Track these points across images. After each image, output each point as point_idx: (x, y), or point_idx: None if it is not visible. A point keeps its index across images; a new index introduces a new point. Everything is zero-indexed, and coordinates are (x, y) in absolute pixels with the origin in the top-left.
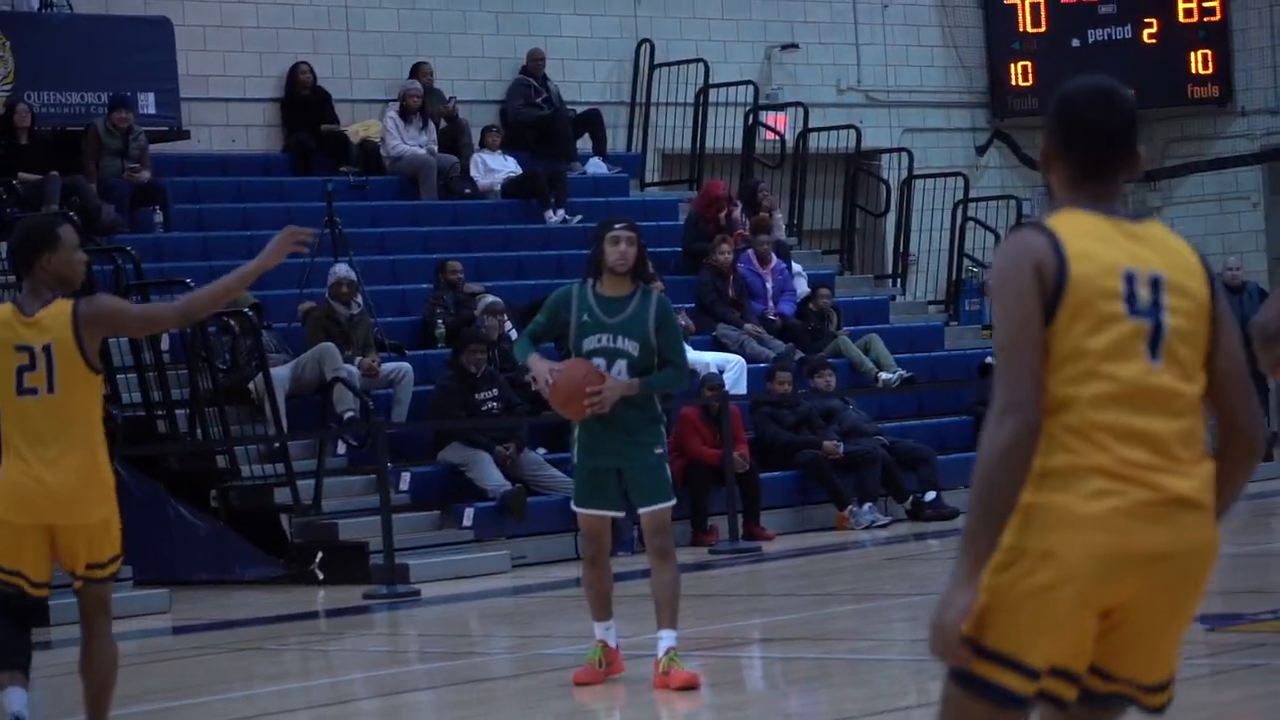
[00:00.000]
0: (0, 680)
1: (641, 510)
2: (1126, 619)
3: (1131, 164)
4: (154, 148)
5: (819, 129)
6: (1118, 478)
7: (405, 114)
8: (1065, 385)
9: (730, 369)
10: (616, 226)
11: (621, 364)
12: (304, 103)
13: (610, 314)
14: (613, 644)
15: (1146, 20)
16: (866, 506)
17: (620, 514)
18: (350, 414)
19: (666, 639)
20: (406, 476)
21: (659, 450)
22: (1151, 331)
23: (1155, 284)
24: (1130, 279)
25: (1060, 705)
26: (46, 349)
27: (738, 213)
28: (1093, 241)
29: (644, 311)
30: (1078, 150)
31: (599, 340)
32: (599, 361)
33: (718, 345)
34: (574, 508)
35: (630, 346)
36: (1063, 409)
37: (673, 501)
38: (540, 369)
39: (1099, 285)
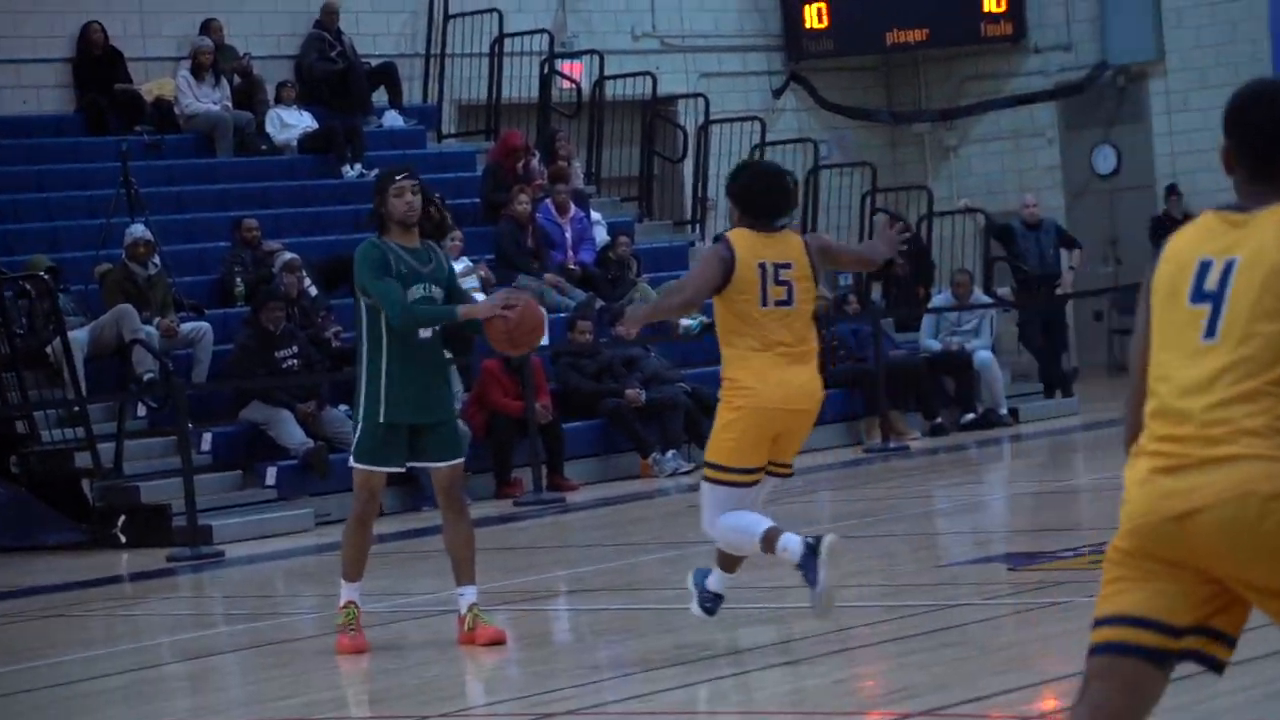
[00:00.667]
0: None
1: (440, 465)
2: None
3: None
4: None
5: (615, 76)
6: None
7: (197, 71)
8: None
9: None
10: (399, 178)
11: None
12: (96, 62)
13: (422, 264)
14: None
15: None
16: (670, 454)
17: (403, 470)
18: (150, 376)
19: (468, 595)
20: (208, 437)
21: (453, 406)
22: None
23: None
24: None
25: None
26: None
27: (535, 162)
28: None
29: (442, 260)
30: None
31: (422, 289)
32: None
33: None
34: (360, 465)
35: (440, 294)
36: None
37: (464, 456)
38: (489, 308)
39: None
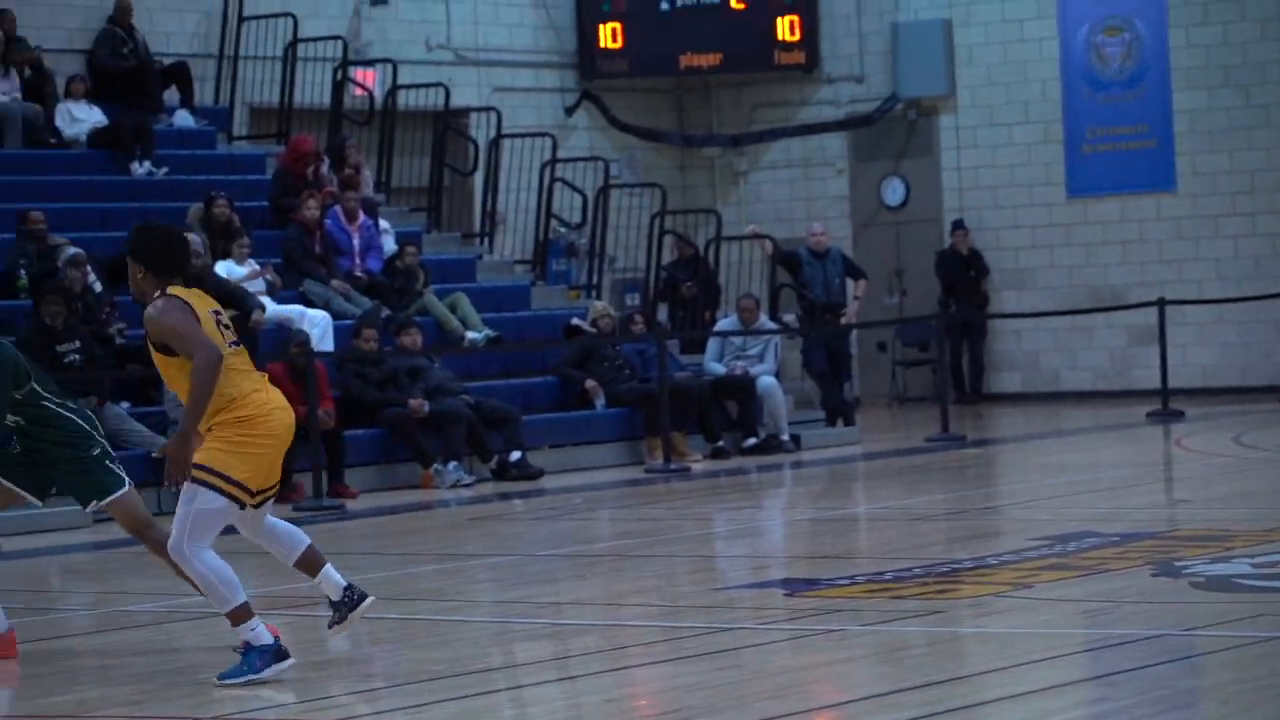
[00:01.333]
0: None
1: None
2: None
3: None
4: None
5: (408, 86)
6: None
7: None
8: None
9: (316, 326)
10: None
11: None
12: None
13: None
14: None
15: None
16: (451, 465)
17: None
18: None
19: None
20: None
21: None
22: None
23: None
24: None
25: None
26: None
27: (325, 168)
28: None
29: None
30: None
31: None
32: None
33: (305, 301)
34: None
35: None
36: None
37: None
38: None
39: None
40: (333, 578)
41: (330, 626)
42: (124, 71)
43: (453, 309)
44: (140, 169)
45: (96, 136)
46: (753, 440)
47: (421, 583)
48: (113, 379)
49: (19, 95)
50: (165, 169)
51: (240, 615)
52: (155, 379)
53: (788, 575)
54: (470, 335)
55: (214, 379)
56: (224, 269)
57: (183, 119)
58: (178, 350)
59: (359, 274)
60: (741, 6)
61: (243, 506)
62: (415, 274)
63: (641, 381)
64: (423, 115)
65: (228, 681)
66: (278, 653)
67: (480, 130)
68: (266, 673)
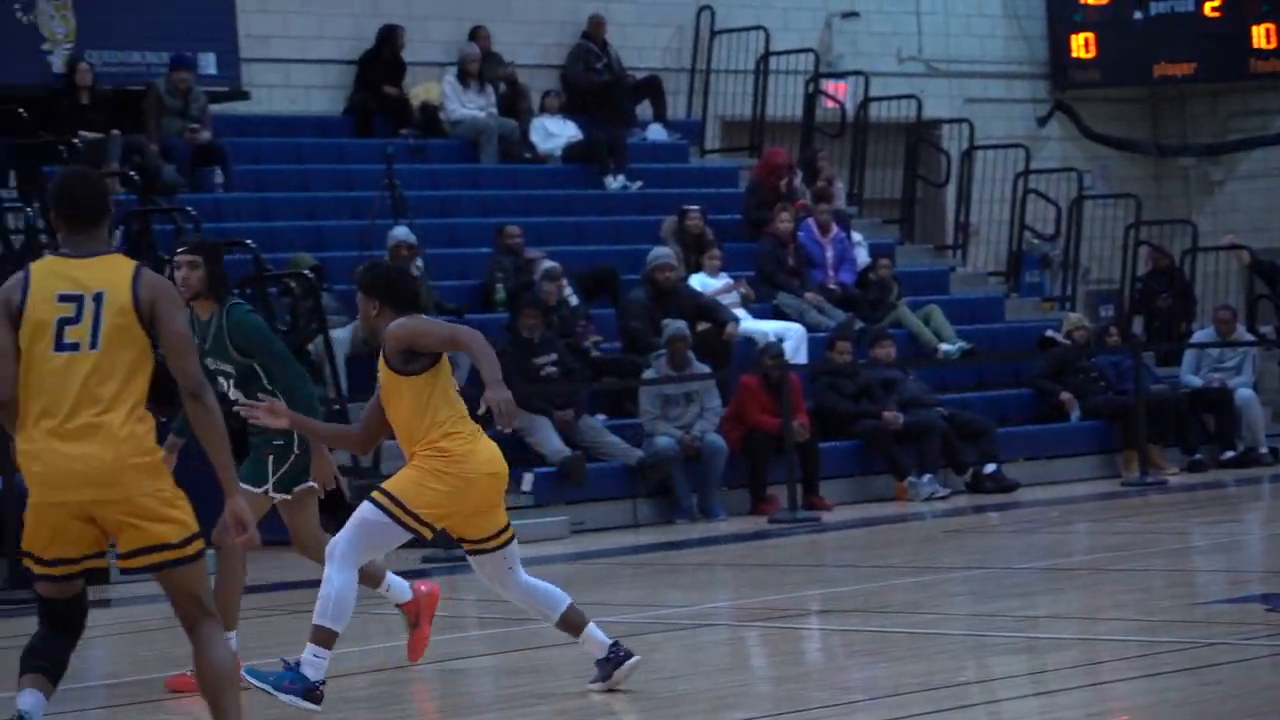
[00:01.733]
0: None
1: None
2: None
3: None
4: (214, 108)
5: (879, 98)
6: None
7: (464, 78)
8: None
9: (790, 338)
10: (178, 253)
11: (229, 382)
12: (386, 64)
13: (203, 336)
14: None
15: None
16: (926, 478)
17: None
18: None
19: None
20: None
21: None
22: None
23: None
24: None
25: None
26: None
27: (798, 181)
28: None
29: (220, 333)
30: None
31: (208, 364)
32: (220, 381)
33: (778, 314)
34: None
35: (225, 366)
36: None
37: None
38: None
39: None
40: (596, 636)
41: (592, 682)
42: (597, 86)
43: (926, 321)
44: (614, 183)
45: (571, 151)
46: (1230, 453)
47: (897, 595)
48: (589, 391)
49: (495, 110)
50: (639, 183)
51: (324, 639)
52: (631, 392)
53: (1267, 590)
54: (944, 347)
55: (485, 342)
56: (697, 282)
57: (655, 133)
58: (431, 343)
59: (832, 286)
60: (1217, 14)
61: (421, 539)
62: (888, 286)
63: (1117, 394)
64: (894, 127)
65: (251, 679)
66: (310, 693)
67: (952, 142)
68: (284, 698)
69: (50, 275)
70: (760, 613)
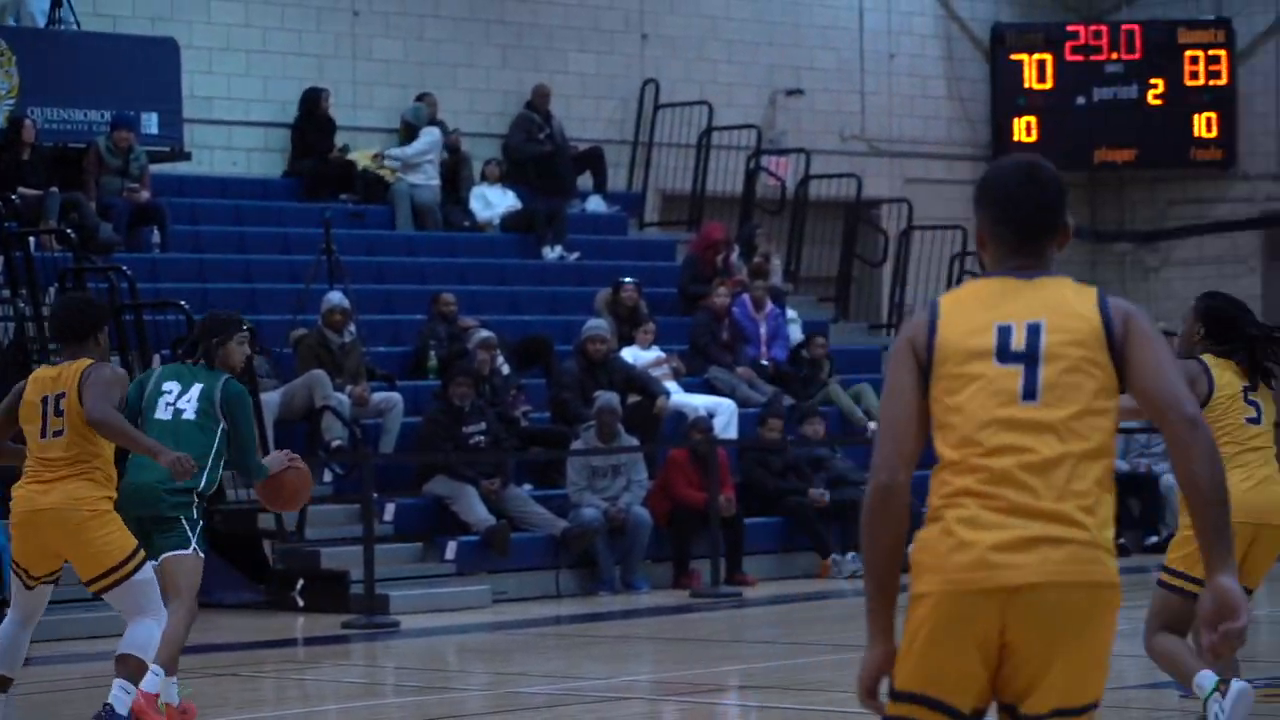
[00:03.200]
0: None
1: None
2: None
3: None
4: (154, 167)
5: (820, 176)
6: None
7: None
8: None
9: (721, 413)
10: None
11: None
12: (317, 127)
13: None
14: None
15: (1153, 81)
16: (850, 556)
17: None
18: (338, 442)
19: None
20: (391, 507)
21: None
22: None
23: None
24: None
25: None
26: None
27: (735, 256)
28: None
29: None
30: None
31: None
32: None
33: (710, 388)
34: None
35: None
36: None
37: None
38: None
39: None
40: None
41: None
42: (539, 156)
43: (857, 399)
44: (551, 253)
45: (509, 220)
46: (1154, 538)
47: (815, 673)
48: (517, 461)
49: (436, 178)
50: (576, 254)
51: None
52: (559, 463)
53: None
54: (873, 426)
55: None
56: (629, 354)
57: (595, 204)
58: None
59: (764, 362)
60: (1159, 103)
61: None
62: (821, 364)
63: None
64: (834, 205)
65: None
66: None
67: (891, 221)
68: None
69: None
70: (678, 687)
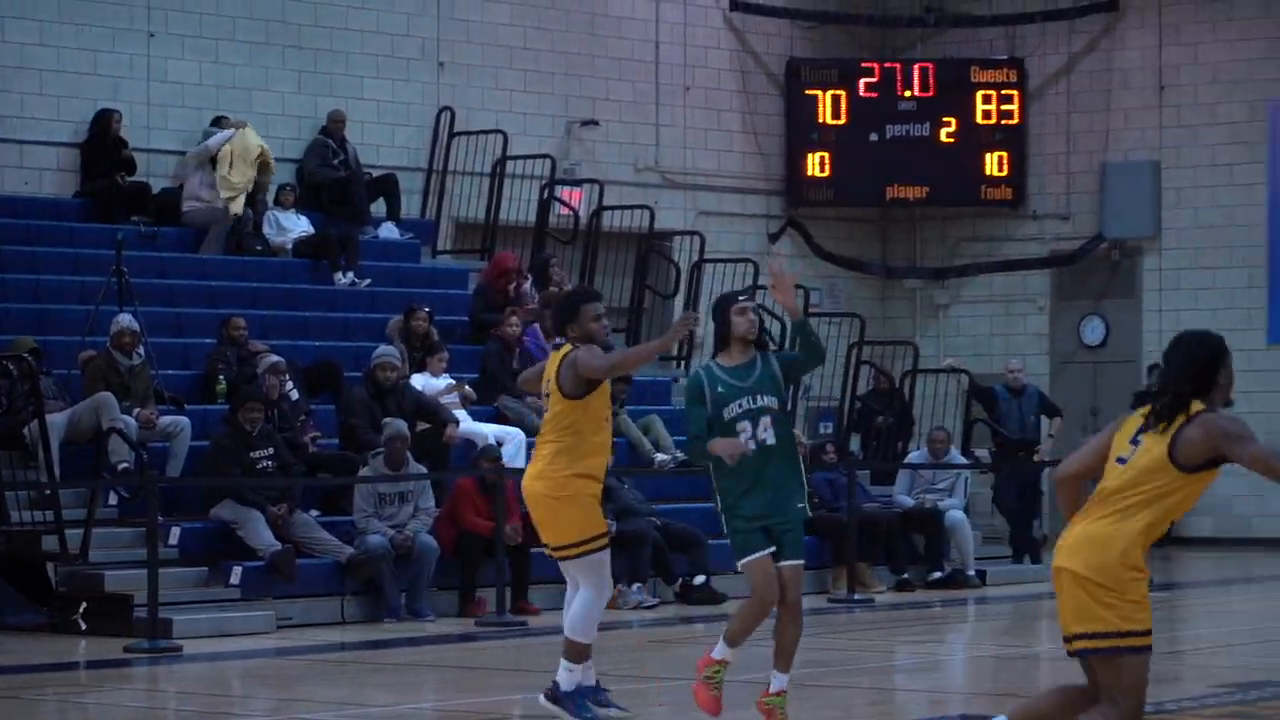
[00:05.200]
0: None
1: (789, 564)
2: None
3: None
4: None
5: (614, 207)
6: None
7: (199, 168)
8: None
9: (510, 442)
10: (741, 299)
11: (766, 419)
12: (107, 149)
13: (743, 379)
14: None
15: (945, 119)
16: (635, 587)
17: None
18: (124, 465)
19: (779, 681)
20: (176, 531)
21: (802, 505)
22: None
23: None
24: None
25: None
26: None
27: (527, 286)
28: None
29: (770, 370)
30: None
31: (740, 405)
32: (744, 424)
33: (500, 417)
34: (745, 560)
35: (770, 402)
36: None
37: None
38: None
39: None
40: None
41: None
42: (333, 182)
43: (646, 430)
44: (343, 279)
45: (302, 245)
46: (939, 574)
47: None
48: (304, 486)
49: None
50: (368, 280)
51: None
52: (347, 489)
53: (966, 711)
54: (660, 457)
55: None
56: (420, 381)
57: (388, 231)
58: None
59: None
60: (951, 140)
61: None
62: (612, 395)
63: (830, 511)
64: (627, 236)
65: None
66: None
67: (683, 253)
68: None
69: None
70: (461, 716)
